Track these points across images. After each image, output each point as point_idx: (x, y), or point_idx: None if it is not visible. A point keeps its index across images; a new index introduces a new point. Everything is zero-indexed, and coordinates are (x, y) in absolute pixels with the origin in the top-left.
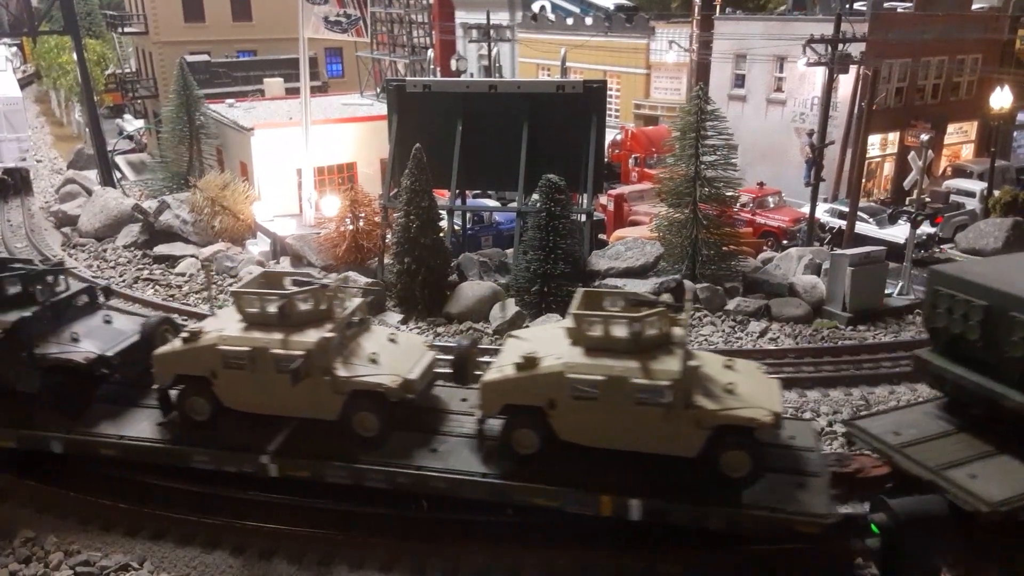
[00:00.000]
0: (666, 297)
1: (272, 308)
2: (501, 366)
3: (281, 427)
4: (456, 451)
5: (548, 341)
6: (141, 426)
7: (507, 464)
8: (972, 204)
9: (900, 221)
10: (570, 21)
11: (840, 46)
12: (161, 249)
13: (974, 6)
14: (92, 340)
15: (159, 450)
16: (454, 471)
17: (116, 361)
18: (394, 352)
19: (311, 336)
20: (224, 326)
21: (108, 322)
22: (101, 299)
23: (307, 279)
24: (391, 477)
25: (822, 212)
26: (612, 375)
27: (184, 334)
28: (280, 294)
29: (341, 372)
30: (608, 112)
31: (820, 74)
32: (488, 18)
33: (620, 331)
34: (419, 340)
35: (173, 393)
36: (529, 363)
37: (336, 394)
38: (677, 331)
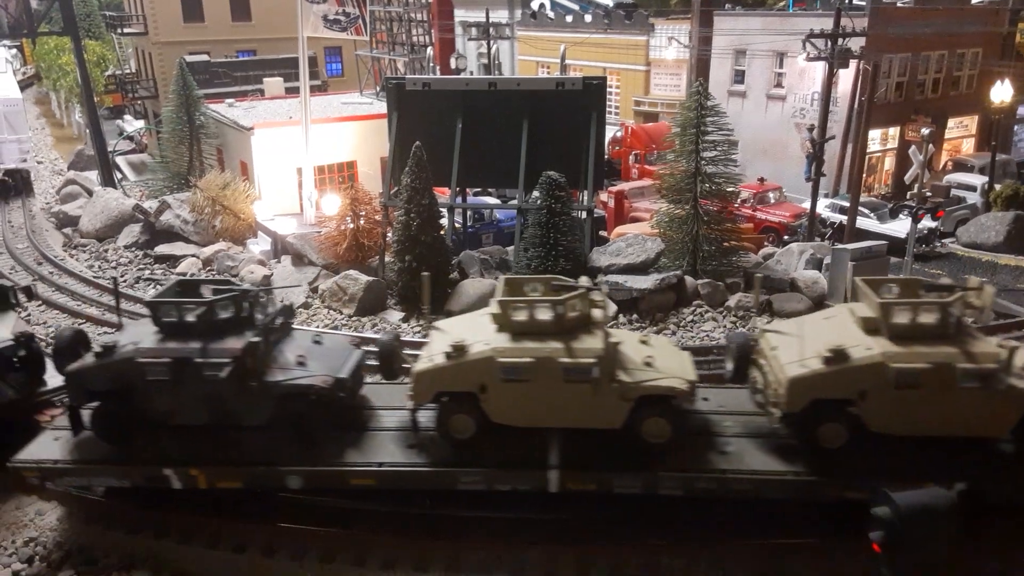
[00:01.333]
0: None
1: (546, 315)
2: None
3: (536, 440)
4: (747, 451)
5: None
6: (388, 450)
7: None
8: (973, 198)
9: (901, 216)
10: (569, 18)
11: (840, 41)
12: (162, 249)
13: (973, 0)
14: (318, 362)
15: (423, 475)
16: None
17: (350, 383)
18: (661, 355)
19: (593, 343)
20: (487, 337)
21: (318, 342)
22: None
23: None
24: (689, 483)
25: (823, 207)
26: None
27: (447, 350)
28: (552, 301)
29: (625, 378)
30: (608, 109)
31: (820, 69)
32: (487, 16)
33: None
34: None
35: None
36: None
37: (623, 400)
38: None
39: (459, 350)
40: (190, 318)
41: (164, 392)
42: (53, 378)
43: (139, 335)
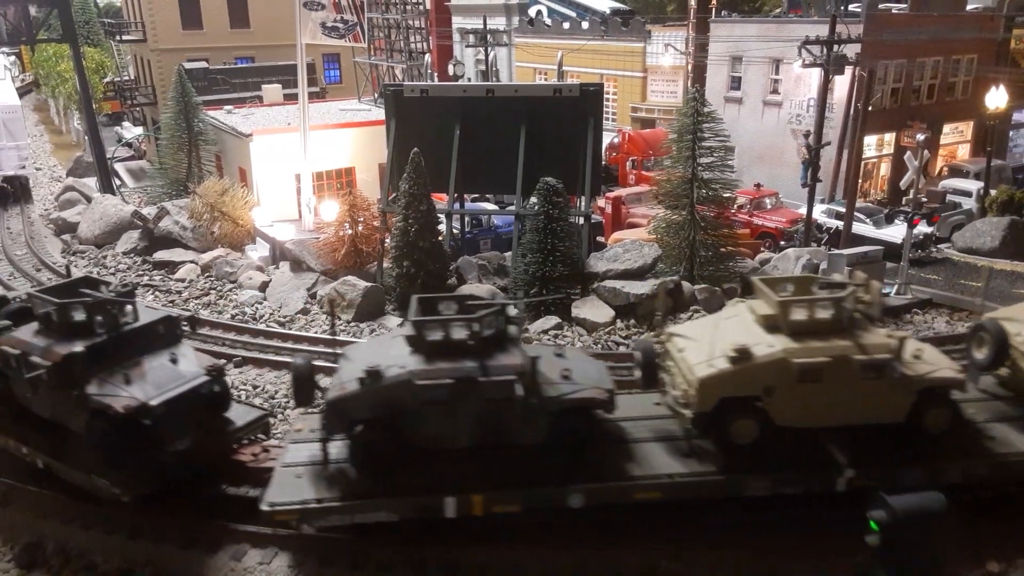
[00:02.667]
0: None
1: (826, 314)
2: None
3: (808, 441)
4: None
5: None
6: (664, 460)
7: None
8: (969, 203)
9: (897, 221)
10: (566, 25)
11: (835, 47)
12: (161, 255)
13: (969, 6)
14: (580, 375)
15: (712, 483)
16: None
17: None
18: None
19: (880, 339)
20: (758, 340)
21: (560, 355)
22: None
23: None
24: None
25: (819, 213)
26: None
27: (731, 354)
28: (834, 298)
29: (909, 371)
30: (605, 115)
31: (816, 76)
32: (485, 23)
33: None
34: None
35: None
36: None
37: (908, 393)
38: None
39: (744, 354)
40: (459, 336)
41: (438, 416)
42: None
43: (392, 358)
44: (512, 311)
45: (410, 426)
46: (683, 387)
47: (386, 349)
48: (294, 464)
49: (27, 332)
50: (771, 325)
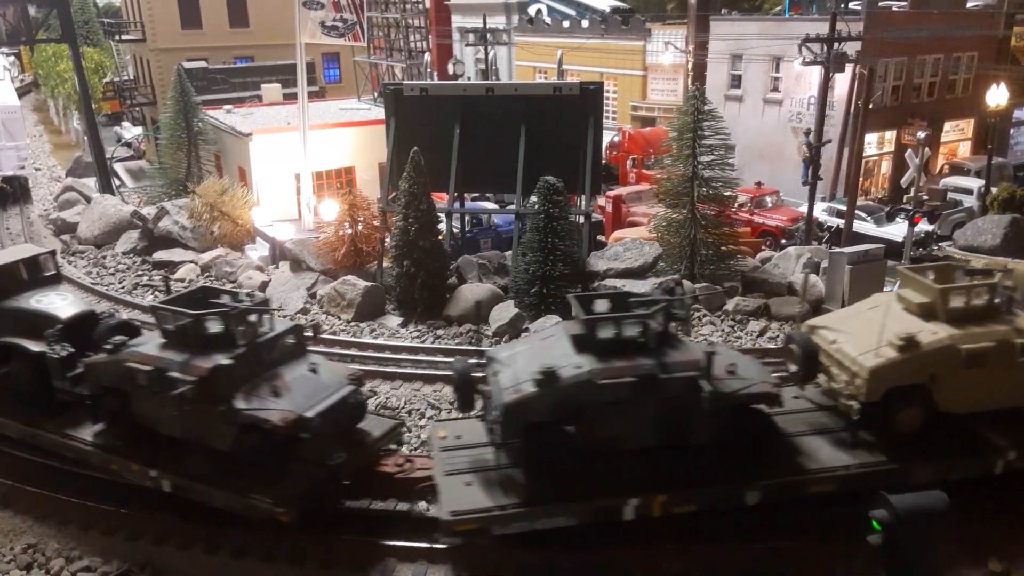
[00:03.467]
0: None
1: (981, 300)
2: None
3: (957, 426)
4: None
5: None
6: (830, 453)
7: None
8: (970, 201)
9: (898, 219)
10: (566, 24)
11: (836, 45)
12: (160, 255)
13: (969, 3)
14: (744, 370)
15: (884, 473)
16: None
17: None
18: None
19: None
20: (909, 327)
21: (713, 351)
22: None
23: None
24: None
25: (820, 211)
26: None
27: (898, 343)
28: (986, 285)
29: None
30: (605, 114)
31: (816, 73)
32: (484, 22)
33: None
34: None
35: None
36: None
37: None
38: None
39: (911, 343)
40: (630, 333)
41: (617, 416)
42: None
43: (558, 358)
44: (677, 307)
45: (588, 427)
46: (846, 379)
47: (545, 349)
48: (456, 472)
49: (152, 347)
50: (927, 313)
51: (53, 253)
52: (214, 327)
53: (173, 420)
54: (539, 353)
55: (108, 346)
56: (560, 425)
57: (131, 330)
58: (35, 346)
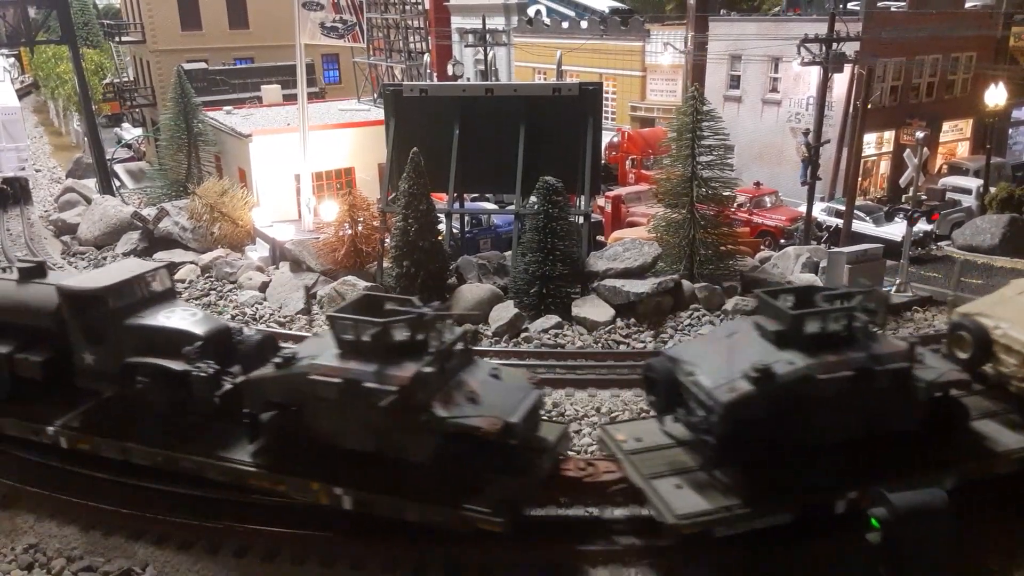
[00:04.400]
0: None
1: None
2: None
3: None
4: None
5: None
6: (1010, 436)
7: None
8: (968, 201)
9: (897, 219)
10: (565, 25)
11: (834, 45)
12: (160, 256)
13: (967, 4)
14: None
15: None
16: None
17: None
18: None
19: None
20: None
21: None
22: None
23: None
24: None
25: (819, 211)
26: None
27: None
28: None
29: None
30: (604, 114)
31: (815, 74)
32: (484, 23)
33: None
34: None
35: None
36: None
37: None
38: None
39: None
40: (835, 327)
41: (829, 409)
42: None
43: (759, 354)
44: (872, 300)
45: (801, 422)
46: (1015, 363)
47: (737, 347)
48: (660, 475)
49: (330, 359)
50: None
51: (168, 267)
52: (400, 335)
53: (363, 433)
54: (732, 351)
55: (278, 360)
56: (775, 421)
57: (274, 345)
58: (176, 365)
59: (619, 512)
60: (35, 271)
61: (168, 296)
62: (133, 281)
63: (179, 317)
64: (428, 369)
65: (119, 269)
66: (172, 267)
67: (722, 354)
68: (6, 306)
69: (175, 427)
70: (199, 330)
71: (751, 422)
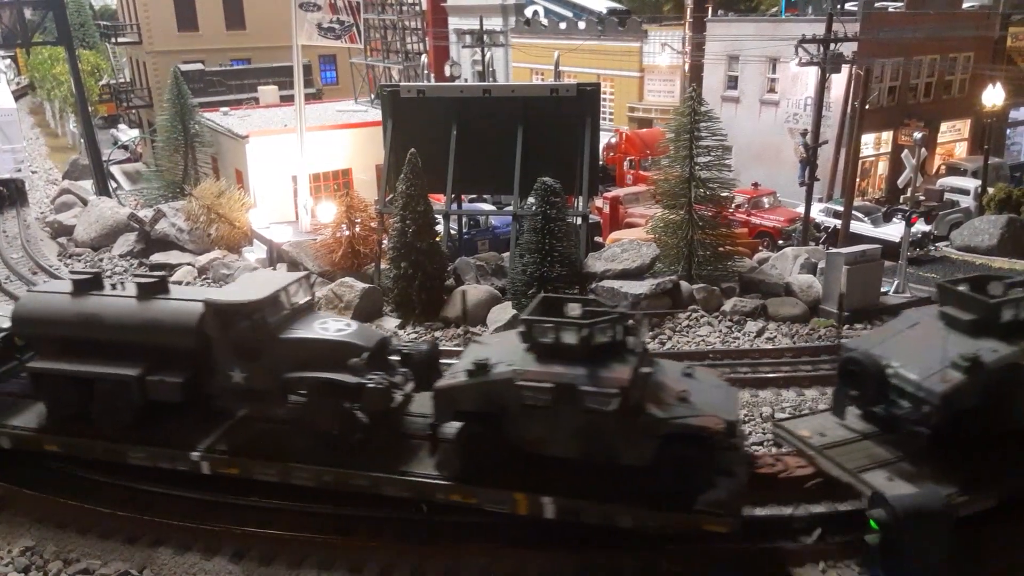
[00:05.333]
0: None
1: None
2: None
3: None
4: None
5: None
6: None
7: None
8: (966, 202)
9: (895, 220)
10: (563, 25)
11: (832, 46)
12: (157, 258)
13: (965, 4)
14: None
15: None
16: None
17: None
18: None
19: None
20: None
21: None
22: None
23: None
24: None
25: (817, 211)
26: None
27: None
28: None
29: None
30: (602, 115)
31: (813, 74)
32: (481, 24)
33: None
34: None
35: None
36: None
37: None
38: None
39: None
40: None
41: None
42: None
43: (951, 343)
44: None
45: (1004, 409)
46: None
47: (926, 337)
48: (865, 468)
49: (528, 363)
50: None
51: (308, 277)
52: (603, 336)
53: (570, 438)
54: (922, 341)
55: (470, 368)
56: (982, 409)
57: (438, 353)
58: (347, 378)
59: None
60: (157, 287)
61: (309, 307)
62: (281, 293)
63: (336, 328)
64: (645, 369)
65: (261, 280)
66: (308, 277)
67: (914, 345)
68: (128, 325)
69: (336, 443)
70: (362, 341)
71: (962, 411)
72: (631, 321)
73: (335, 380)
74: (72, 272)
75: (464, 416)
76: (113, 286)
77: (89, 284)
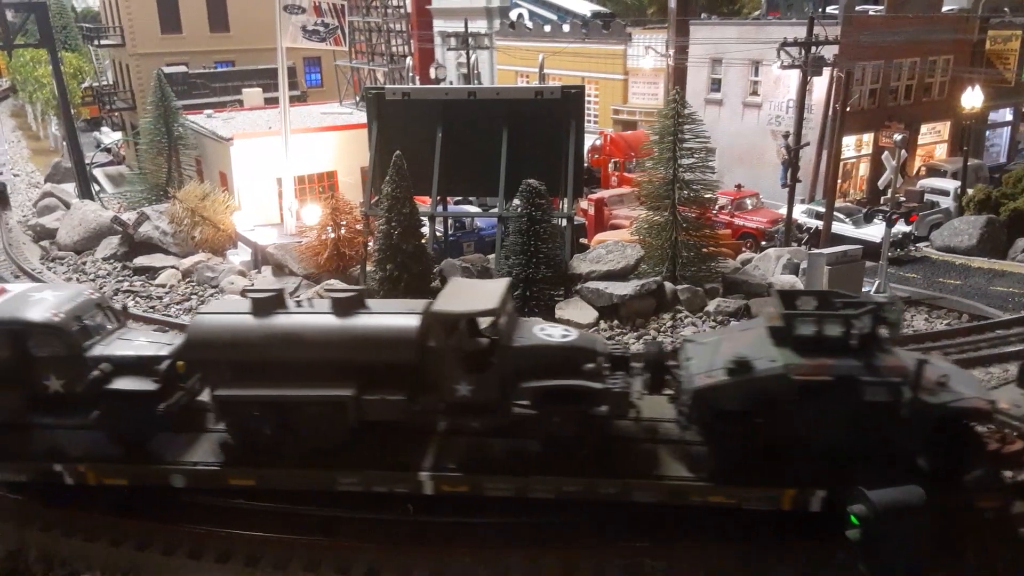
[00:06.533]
0: None
1: None
2: None
3: None
4: None
5: None
6: None
7: None
8: (946, 202)
9: (876, 220)
10: (548, 28)
11: (813, 49)
12: (141, 261)
13: (944, 8)
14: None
15: None
16: None
17: None
18: None
19: None
20: None
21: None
22: None
23: None
24: None
25: (799, 213)
26: None
27: None
28: None
29: None
30: (587, 117)
31: (794, 77)
32: (466, 26)
33: None
34: None
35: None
36: None
37: None
38: None
39: None
40: None
41: None
42: None
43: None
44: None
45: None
46: None
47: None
48: None
49: (791, 357)
50: None
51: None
52: (864, 326)
53: (843, 429)
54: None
55: (732, 367)
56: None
57: (666, 356)
58: (594, 384)
59: None
60: (354, 302)
61: (516, 312)
62: (507, 300)
63: (559, 334)
64: (923, 356)
65: (476, 288)
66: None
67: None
68: (335, 343)
69: (573, 451)
70: (595, 346)
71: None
72: (887, 310)
73: (584, 387)
74: (248, 291)
75: (723, 415)
76: (298, 303)
77: (272, 303)
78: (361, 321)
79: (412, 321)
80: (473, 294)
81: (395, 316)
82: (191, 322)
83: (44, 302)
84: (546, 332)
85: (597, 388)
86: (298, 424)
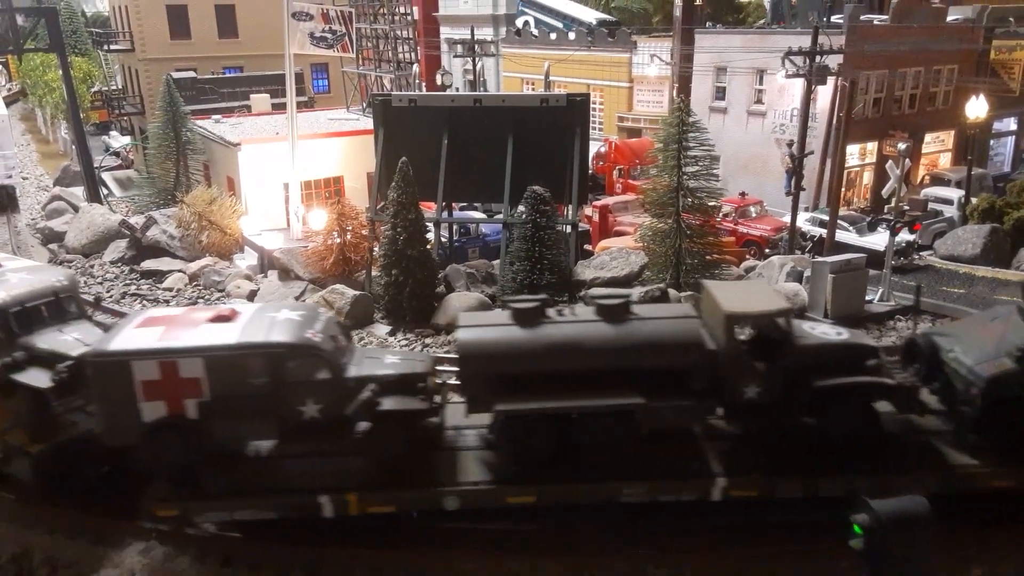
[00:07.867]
0: None
1: None
2: None
3: None
4: None
5: None
6: None
7: None
8: (950, 211)
9: (879, 229)
10: (553, 36)
11: (818, 58)
12: (148, 264)
13: (949, 18)
14: None
15: None
16: None
17: None
18: None
19: None
20: None
21: None
22: None
23: None
24: None
25: (803, 221)
26: None
27: None
28: None
29: None
30: (592, 125)
31: (799, 86)
32: (472, 33)
33: None
34: None
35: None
36: None
37: None
38: None
39: None
40: None
41: None
42: None
43: None
44: None
45: None
46: None
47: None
48: None
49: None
50: None
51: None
52: None
53: None
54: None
55: (1020, 354)
56: None
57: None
58: (887, 380)
59: None
60: (622, 308)
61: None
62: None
63: (834, 331)
64: None
65: (749, 290)
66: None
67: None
68: (618, 349)
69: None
70: (868, 341)
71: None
72: None
73: (880, 383)
74: (509, 301)
75: (1006, 404)
76: (559, 312)
77: (536, 313)
78: (640, 327)
79: (693, 323)
80: (747, 295)
81: (675, 320)
82: (460, 338)
83: (292, 323)
84: (820, 330)
85: (891, 384)
86: (582, 435)
